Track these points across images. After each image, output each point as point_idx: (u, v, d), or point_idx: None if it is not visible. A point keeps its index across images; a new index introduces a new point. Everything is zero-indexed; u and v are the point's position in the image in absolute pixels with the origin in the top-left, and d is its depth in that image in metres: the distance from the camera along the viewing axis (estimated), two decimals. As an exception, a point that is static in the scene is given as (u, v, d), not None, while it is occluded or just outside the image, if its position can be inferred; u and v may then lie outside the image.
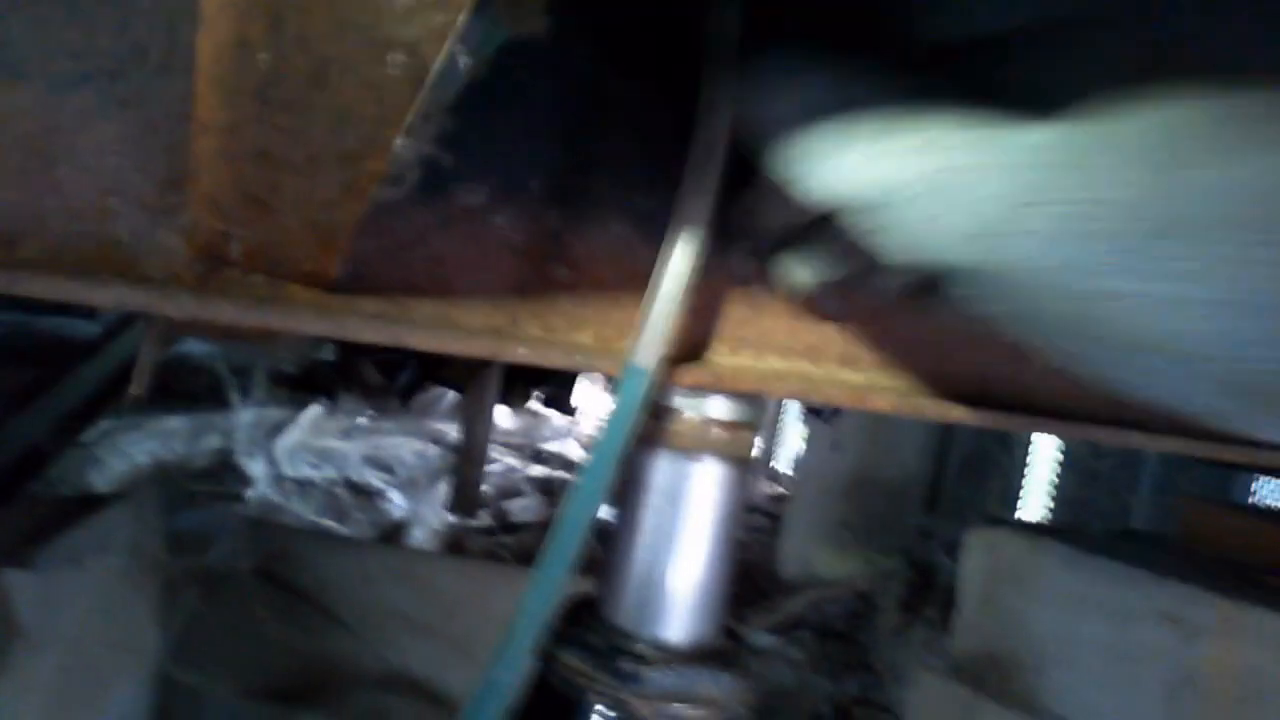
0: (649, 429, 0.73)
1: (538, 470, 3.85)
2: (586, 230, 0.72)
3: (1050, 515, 3.11)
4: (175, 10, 0.63)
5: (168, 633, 1.45)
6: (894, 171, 0.51)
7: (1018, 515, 3.04)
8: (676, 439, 0.72)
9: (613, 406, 0.66)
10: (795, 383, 0.73)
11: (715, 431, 0.73)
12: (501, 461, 3.87)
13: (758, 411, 0.75)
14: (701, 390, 0.72)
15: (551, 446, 4.17)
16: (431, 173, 0.66)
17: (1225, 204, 0.45)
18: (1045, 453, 3.25)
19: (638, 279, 0.73)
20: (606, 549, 0.77)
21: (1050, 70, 0.52)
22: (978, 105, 0.51)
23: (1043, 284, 0.49)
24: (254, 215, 0.55)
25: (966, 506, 2.90)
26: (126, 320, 2.62)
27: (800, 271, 0.66)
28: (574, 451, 4.15)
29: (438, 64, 0.38)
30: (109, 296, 0.59)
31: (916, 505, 2.70)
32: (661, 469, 0.73)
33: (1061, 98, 0.49)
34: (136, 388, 0.68)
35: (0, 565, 1.31)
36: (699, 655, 0.75)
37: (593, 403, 4.59)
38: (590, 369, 0.70)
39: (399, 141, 0.44)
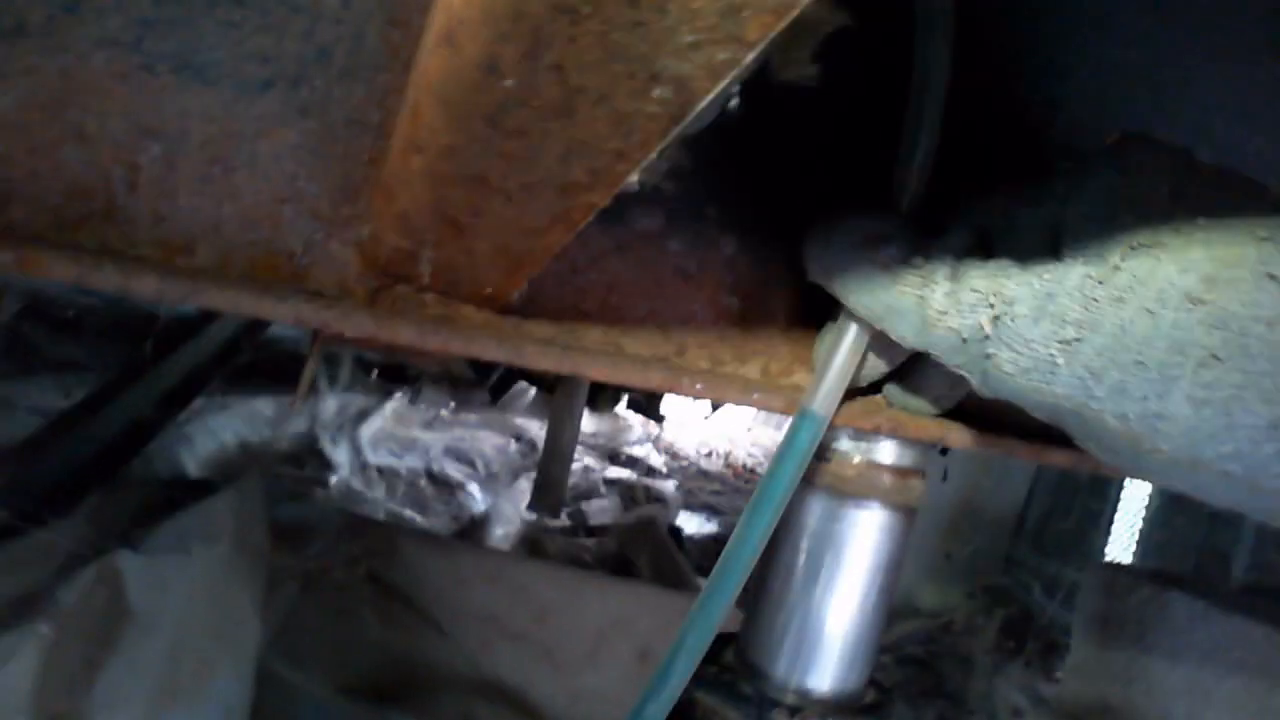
0: (810, 469, 0.69)
1: (618, 473, 3.83)
2: (760, 260, 0.69)
3: (1137, 553, 2.99)
4: (362, 16, 0.61)
5: (267, 624, 1.45)
6: (963, 320, 0.56)
7: (1108, 553, 2.93)
8: (840, 483, 0.69)
9: (783, 447, 0.63)
10: (969, 433, 0.69)
11: (884, 477, 0.69)
12: (582, 462, 3.86)
13: (928, 457, 0.72)
14: (870, 434, 0.69)
15: (634, 451, 4.14)
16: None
17: (1267, 329, 0.48)
18: (1136, 490, 3.13)
19: (811, 312, 0.69)
20: (752, 588, 0.74)
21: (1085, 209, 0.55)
22: (1031, 248, 0.55)
23: (1096, 410, 0.52)
24: (446, 236, 0.53)
25: (1052, 541, 2.81)
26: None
27: (910, 401, 0.69)
28: (655, 458, 4.12)
29: (705, 101, 0.35)
30: (286, 312, 0.57)
31: (1019, 542, 2.63)
32: (820, 512, 0.70)
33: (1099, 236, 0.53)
34: (297, 403, 0.66)
35: (113, 545, 1.33)
36: (848, 708, 0.71)
37: (680, 410, 4.55)
38: (764, 407, 0.67)
39: (633, 177, 0.41)
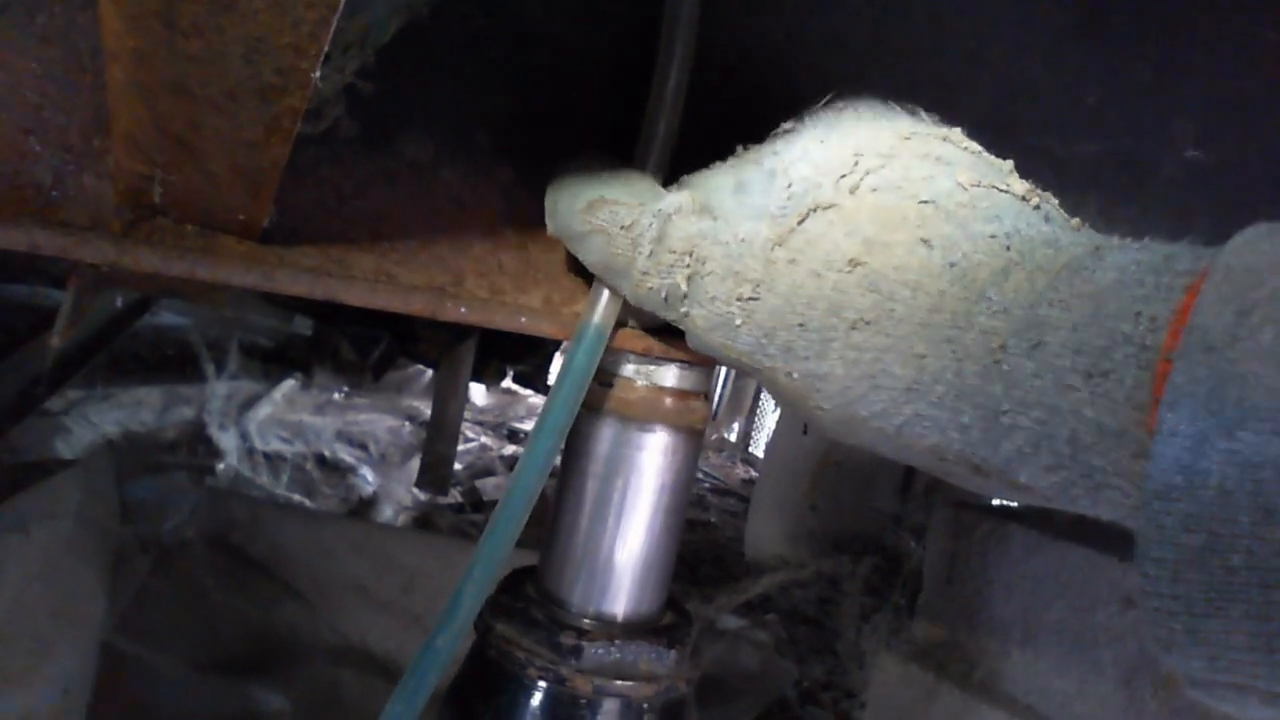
0: (597, 397, 0.70)
1: (511, 449, 3.82)
2: (540, 190, 0.69)
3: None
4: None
5: (116, 602, 1.41)
6: (662, 281, 0.58)
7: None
8: (625, 407, 0.70)
9: (562, 368, 0.64)
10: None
11: (666, 400, 0.70)
12: (475, 440, 3.84)
13: (710, 381, 0.73)
14: (652, 358, 0.70)
15: (526, 425, 4.13)
16: (373, 122, 0.64)
17: (911, 294, 0.49)
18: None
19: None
20: (549, 519, 0.75)
21: None
22: (735, 209, 0.57)
23: (770, 368, 0.55)
24: (178, 157, 0.52)
25: (938, 492, 2.88)
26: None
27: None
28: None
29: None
30: (19, 239, 0.56)
31: (888, 490, 2.67)
32: (609, 438, 0.71)
33: None
34: (57, 339, 0.65)
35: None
36: (641, 630, 0.72)
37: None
38: (537, 331, 0.68)
39: (318, 74, 0.42)
